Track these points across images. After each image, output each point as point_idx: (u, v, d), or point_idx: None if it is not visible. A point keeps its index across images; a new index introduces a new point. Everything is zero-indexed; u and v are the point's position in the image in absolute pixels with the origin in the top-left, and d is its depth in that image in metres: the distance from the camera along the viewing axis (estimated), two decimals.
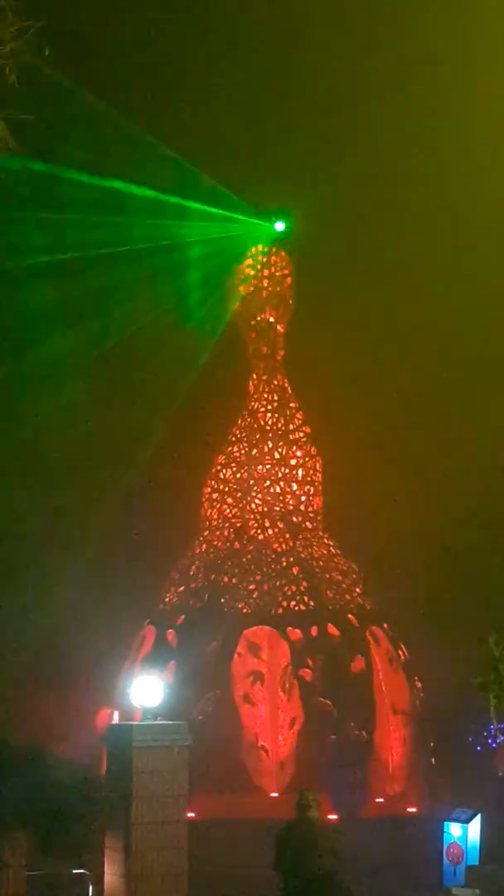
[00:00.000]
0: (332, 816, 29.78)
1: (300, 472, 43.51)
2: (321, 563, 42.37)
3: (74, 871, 17.95)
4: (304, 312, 44.61)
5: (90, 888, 17.36)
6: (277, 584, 40.88)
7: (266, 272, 43.93)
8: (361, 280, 48.99)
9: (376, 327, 47.80)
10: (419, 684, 39.94)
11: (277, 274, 44.00)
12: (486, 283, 45.23)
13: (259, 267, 43.73)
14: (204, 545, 42.92)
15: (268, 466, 43.19)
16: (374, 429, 44.26)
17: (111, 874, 16.19)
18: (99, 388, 42.39)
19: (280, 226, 43.79)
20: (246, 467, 43.31)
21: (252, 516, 42.78)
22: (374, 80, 48.70)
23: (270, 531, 42.47)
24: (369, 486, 43.51)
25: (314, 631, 39.57)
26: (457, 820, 22.93)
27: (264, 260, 43.87)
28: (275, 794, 35.86)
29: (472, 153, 42.97)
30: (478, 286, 45.94)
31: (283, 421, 43.74)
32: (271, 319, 44.02)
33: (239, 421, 43.88)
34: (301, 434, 43.79)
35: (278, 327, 44.22)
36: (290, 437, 43.61)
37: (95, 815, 16.52)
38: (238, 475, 43.34)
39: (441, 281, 47.18)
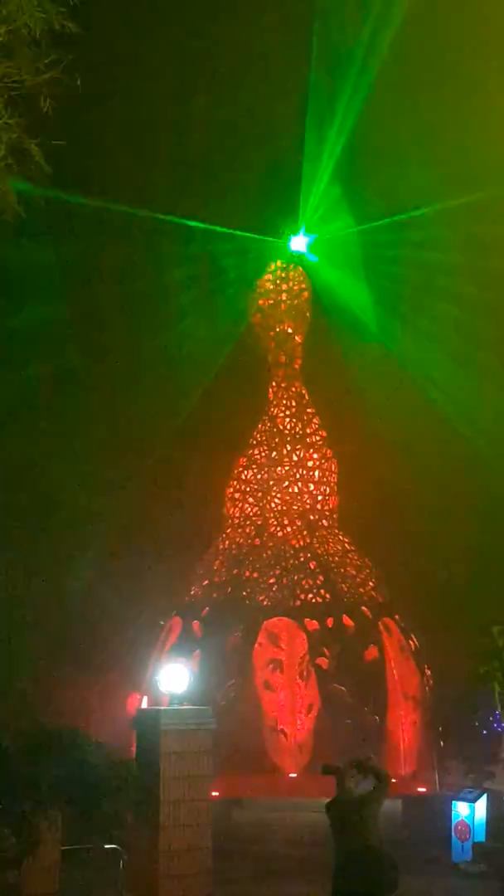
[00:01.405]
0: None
1: (316, 473, 43.51)
2: (336, 558, 42.35)
3: (106, 847, 18.01)
4: (319, 324, 44.54)
5: (121, 862, 17.41)
6: (295, 578, 40.86)
7: (284, 286, 43.97)
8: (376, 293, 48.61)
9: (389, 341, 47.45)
10: (428, 672, 39.87)
11: (295, 288, 44.00)
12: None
13: (277, 281, 43.79)
14: (227, 542, 42.93)
15: (286, 468, 43.19)
16: (387, 432, 44.06)
17: (140, 849, 16.27)
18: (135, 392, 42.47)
19: (299, 244, 43.87)
20: (266, 469, 43.31)
21: (272, 514, 42.78)
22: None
23: (289, 528, 42.47)
24: (382, 486, 43.39)
25: (330, 622, 39.55)
26: (464, 799, 22.98)
27: (282, 275, 43.90)
28: (293, 775, 35.87)
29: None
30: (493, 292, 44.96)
31: (300, 425, 43.73)
32: (289, 330, 44.03)
33: (259, 426, 43.91)
34: (317, 438, 43.77)
35: (296, 338, 44.21)
36: (307, 440, 43.60)
37: (126, 794, 16.57)
38: (258, 476, 43.35)
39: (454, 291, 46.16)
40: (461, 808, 22.45)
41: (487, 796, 23.17)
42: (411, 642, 40.48)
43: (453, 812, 22.45)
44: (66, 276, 38.43)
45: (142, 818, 16.26)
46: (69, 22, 4.84)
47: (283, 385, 44.24)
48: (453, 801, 23.08)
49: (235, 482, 43.72)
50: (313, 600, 40.44)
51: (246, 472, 43.68)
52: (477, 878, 18.34)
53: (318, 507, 43.35)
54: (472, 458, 43.33)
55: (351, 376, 45.55)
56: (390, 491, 43.26)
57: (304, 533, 42.50)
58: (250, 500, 43.31)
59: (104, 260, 41.55)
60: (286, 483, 43.13)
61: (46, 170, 5.11)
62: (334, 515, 43.64)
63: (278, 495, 43.02)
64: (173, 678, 20.32)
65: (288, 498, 43.03)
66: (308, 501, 43.17)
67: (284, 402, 44.09)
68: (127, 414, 42.21)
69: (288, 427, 43.70)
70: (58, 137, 5.75)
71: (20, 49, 4.75)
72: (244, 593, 40.62)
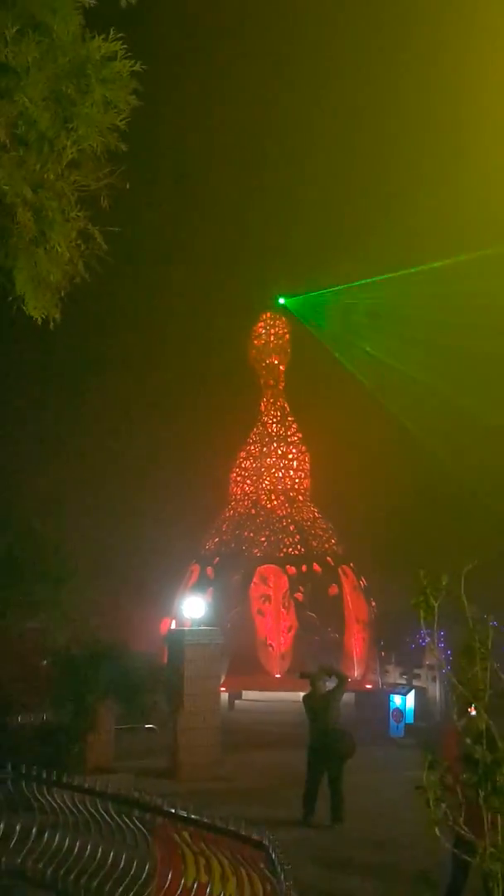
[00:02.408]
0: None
1: (295, 462, 43.51)
2: (308, 523, 42.33)
3: (146, 726, 18.00)
4: (297, 356, 44.79)
5: (157, 737, 17.43)
6: (280, 537, 40.85)
7: (273, 331, 44.05)
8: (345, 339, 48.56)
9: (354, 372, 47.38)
10: (374, 603, 39.85)
11: (280, 332, 44.10)
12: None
13: (267, 328, 43.94)
14: (231, 511, 42.89)
15: (273, 459, 43.16)
16: (347, 433, 44.11)
17: (170, 727, 16.28)
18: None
19: (282, 302, 44.53)
20: (259, 459, 43.33)
21: (263, 492, 42.77)
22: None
23: (275, 502, 42.46)
24: (342, 471, 43.40)
25: (304, 568, 39.54)
26: (398, 693, 23.01)
27: (271, 323, 44.08)
28: (278, 676, 35.88)
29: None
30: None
31: (283, 429, 43.76)
32: (276, 362, 44.10)
33: (254, 429, 43.97)
34: (295, 438, 43.80)
35: (280, 367, 44.33)
36: (288, 439, 43.61)
37: (160, 689, 16.53)
38: (254, 465, 43.34)
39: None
40: (396, 700, 22.49)
41: (415, 691, 23.25)
42: (362, 582, 40.45)
43: (391, 702, 22.49)
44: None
45: (170, 706, 16.27)
46: (120, 143, 4.76)
47: (271, 400, 44.30)
48: (391, 695, 23.10)
49: (237, 469, 43.74)
50: (292, 553, 40.43)
51: (245, 462, 43.71)
52: (407, 749, 18.34)
53: (296, 486, 43.33)
54: (411, 448, 43.52)
55: (320, 393, 45.73)
56: (348, 474, 43.27)
57: (286, 505, 42.52)
58: (248, 481, 43.33)
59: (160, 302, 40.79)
60: (273, 469, 43.17)
61: (104, 247, 5.08)
62: (307, 492, 43.63)
63: (267, 478, 43.03)
64: (193, 607, 20.26)
65: (274, 480, 43.06)
66: (289, 483, 43.16)
67: (272, 412, 44.14)
68: (172, 426, 42.06)
69: (274, 430, 43.72)
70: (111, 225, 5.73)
71: (86, 162, 4.68)
72: (243, 548, 40.60)
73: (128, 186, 4.80)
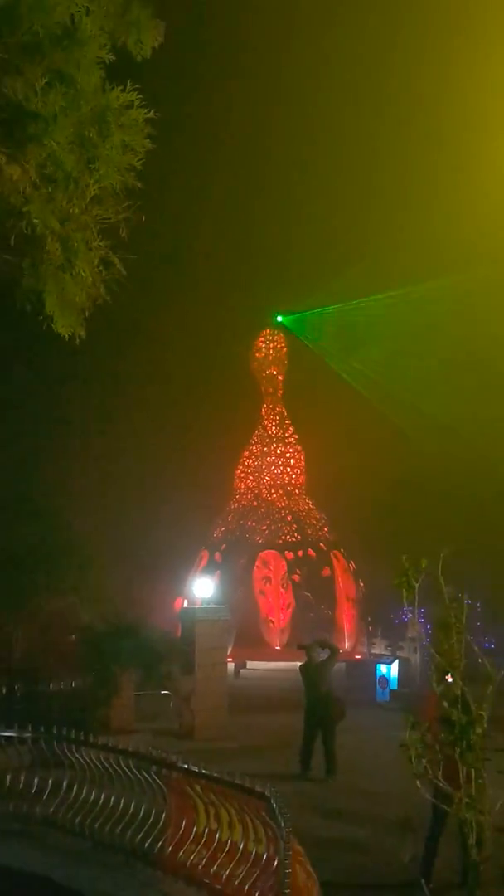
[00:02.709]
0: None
1: (291, 461, 43.55)
2: (304, 513, 42.34)
3: (162, 692, 18.00)
4: (293, 367, 44.80)
5: (171, 702, 17.41)
6: (279, 526, 40.88)
7: (272, 345, 44.11)
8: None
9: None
10: (362, 584, 39.85)
11: (278, 347, 44.20)
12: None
13: (267, 342, 44.03)
14: (235, 503, 42.91)
15: (272, 457, 43.21)
16: (338, 434, 44.05)
17: (183, 693, 16.28)
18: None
19: (280, 319, 44.74)
20: (260, 458, 43.37)
21: (264, 487, 42.80)
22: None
23: (274, 495, 42.47)
24: (333, 468, 43.35)
25: (300, 553, 39.59)
26: (384, 662, 23.00)
27: (271, 338, 44.16)
28: (278, 647, 35.90)
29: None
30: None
31: (281, 431, 43.80)
32: (275, 373, 44.17)
33: (256, 431, 44.01)
34: (292, 439, 43.86)
35: (279, 377, 44.40)
36: (286, 440, 43.64)
37: (174, 659, 16.53)
38: (256, 463, 43.39)
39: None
40: (382, 668, 22.46)
41: (398, 661, 23.23)
42: (351, 565, 40.47)
43: (377, 671, 22.46)
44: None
45: (184, 674, 16.27)
46: (137, 181, 4.78)
47: (270, 406, 44.38)
48: (377, 664, 23.07)
49: (241, 466, 43.79)
50: (290, 540, 40.47)
51: (247, 460, 43.76)
52: (391, 712, 18.28)
53: (293, 481, 43.35)
54: (396, 447, 43.46)
55: (314, 400, 45.74)
56: (339, 470, 43.21)
57: (284, 498, 42.54)
58: (250, 477, 43.36)
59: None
60: (273, 467, 43.19)
61: (123, 273, 5.10)
62: (303, 487, 43.66)
63: (268, 475, 43.05)
64: (203, 588, 20.32)
65: (274, 476, 43.08)
66: (286, 478, 43.18)
67: (272, 416, 44.20)
68: (185, 430, 41.79)
69: (273, 432, 43.77)
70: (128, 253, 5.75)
71: (106, 198, 4.70)
72: (246, 536, 40.63)
73: (143, 219, 4.82)
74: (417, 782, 4.98)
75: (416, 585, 5.51)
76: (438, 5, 33.03)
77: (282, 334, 44.58)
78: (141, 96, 4.84)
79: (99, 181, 4.75)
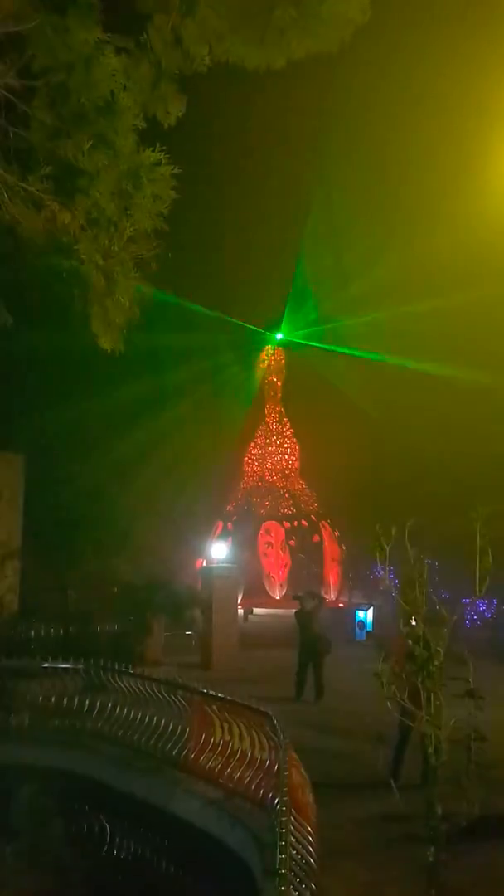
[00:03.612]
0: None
1: (288, 450, 43.63)
2: (298, 491, 42.43)
3: (186, 633, 18.04)
4: (290, 375, 44.60)
5: (193, 640, 17.45)
6: (278, 502, 40.99)
7: (273, 358, 44.03)
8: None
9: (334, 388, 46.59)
10: (344, 548, 39.89)
11: (278, 358, 44.13)
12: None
13: (269, 355, 43.93)
14: (244, 484, 43.10)
15: (273, 448, 43.27)
16: (325, 429, 43.96)
17: (204, 633, 16.31)
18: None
19: (280, 336, 44.35)
20: (264, 448, 43.37)
21: (266, 471, 42.87)
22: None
23: (275, 477, 42.57)
24: (322, 455, 43.36)
25: (295, 523, 39.71)
26: (361, 609, 23.02)
27: (272, 352, 44.04)
28: (277, 598, 35.95)
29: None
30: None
31: (280, 426, 43.94)
32: (275, 380, 44.14)
33: (260, 427, 44.05)
34: (289, 432, 43.95)
35: (278, 383, 44.35)
36: (284, 434, 43.74)
37: (196, 606, 16.55)
38: (260, 452, 43.43)
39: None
40: (360, 614, 22.50)
41: (373, 608, 23.23)
42: (336, 533, 40.57)
43: (356, 616, 22.50)
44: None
45: (204, 619, 16.30)
46: (164, 224, 4.73)
47: (272, 407, 44.44)
48: (356, 610, 23.12)
49: (248, 455, 43.90)
50: (287, 512, 40.57)
51: (253, 450, 43.86)
52: (367, 648, 18.31)
53: (289, 466, 43.45)
54: (371, 439, 43.11)
55: (307, 401, 45.58)
56: (326, 457, 43.22)
57: (283, 479, 42.65)
58: (256, 463, 43.48)
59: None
60: (273, 455, 43.23)
61: (152, 300, 5.07)
62: (297, 470, 43.77)
63: (269, 461, 43.14)
64: (219, 551, 20.33)
65: (274, 462, 43.15)
66: (284, 464, 43.29)
67: (273, 415, 44.32)
68: (205, 426, 41.16)
69: (274, 428, 43.93)
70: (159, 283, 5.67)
71: (140, 238, 4.66)
72: (253, 509, 40.75)
73: (170, 255, 4.78)
74: (388, 703, 4.96)
75: (387, 549, 5.48)
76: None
77: (280, 349, 44.56)
78: (168, 155, 4.80)
79: (134, 224, 4.71)
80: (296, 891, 3.41)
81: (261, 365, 44.07)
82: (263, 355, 44.19)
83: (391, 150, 42.91)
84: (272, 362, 44.39)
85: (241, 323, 41.91)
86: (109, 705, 8.81)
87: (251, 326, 42.88)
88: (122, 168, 4.68)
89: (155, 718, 8.11)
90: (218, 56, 4.47)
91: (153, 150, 4.76)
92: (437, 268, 37.87)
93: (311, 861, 3.91)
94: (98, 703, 8.91)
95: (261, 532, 39.07)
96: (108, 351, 4.93)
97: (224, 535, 36.74)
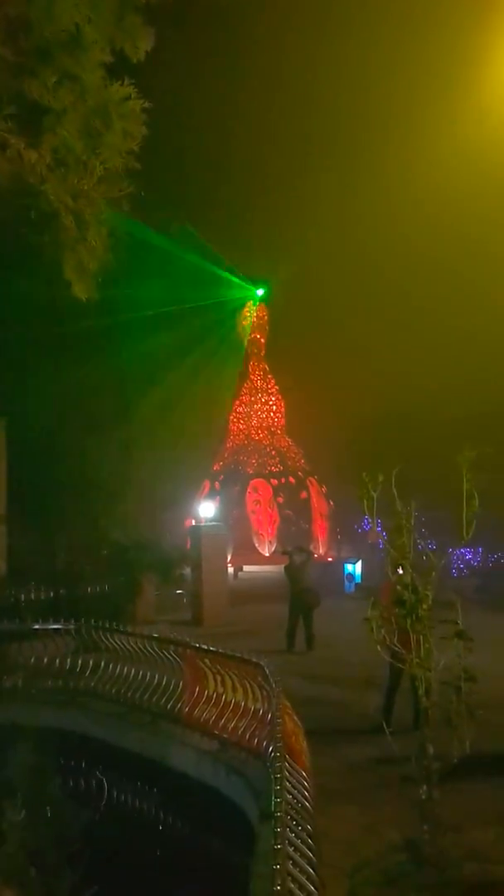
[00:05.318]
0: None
1: (274, 407, 43.45)
2: (285, 448, 42.42)
3: (177, 591, 18.13)
4: (273, 331, 44.22)
5: (184, 598, 17.57)
6: (265, 459, 40.96)
7: (256, 314, 43.51)
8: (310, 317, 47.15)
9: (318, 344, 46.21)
10: (332, 503, 40.12)
11: (261, 314, 43.63)
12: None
13: (251, 311, 43.42)
14: (230, 442, 42.95)
15: (258, 405, 43.07)
16: (309, 385, 43.74)
17: (194, 591, 16.38)
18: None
19: (260, 291, 43.67)
20: (249, 405, 43.18)
21: (252, 429, 42.74)
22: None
23: (261, 435, 42.46)
24: (306, 411, 43.25)
25: (283, 481, 39.74)
26: (350, 562, 23.21)
27: (254, 308, 43.54)
28: (266, 554, 36.20)
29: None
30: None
31: (265, 384, 43.61)
32: (258, 336, 43.70)
33: (245, 384, 43.76)
34: (274, 389, 43.69)
35: (261, 340, 43.92)
36: (268, 391, 43.49)
37: (186, 564, 16.60)
38: (245, 410, 43.23)
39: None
40: (349, 567, 22.70)
41: (361, 561, 23.43)
42: (323, 489, 40.70)
43: (345, 569, 22.70)
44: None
45: (194, 577, 16.36)
46: (135, 163, 4.52)
47: (256, 363, 44.03)
48: (344, 563, 23.31)
49: (233, 413, 43.67)
50: (274, 470, 40.58)
51: (238, 408, 43.59)
52: (356, 601, 18.50)
53: (275, 424, 43.32)
54: (355, 394, 43.18)
55: (291, 357, 45.23)
56: (311, 413, 43.12)
57: (269, 437, 42.52)
58: (241, 421, 43.27)
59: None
60: (259, 412, 43.07)
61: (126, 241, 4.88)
62: (283, 428, 43.67)
63: (255, 419, 42.96)
64: (207, 510, 20.30)
65: (260, 420, 43.00)
66: (270, 421, 43.14)
67: (257, 372, 43.89)
68: (189, 385, 40.20)
69: (258, 385, 43.55)
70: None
71: (111, 178, 4.48)
72: (240, 468, 40.70)
73: (142, 195, 4.59)
74: (378, 647, 4.97)
75: (374, 496, 5.43)
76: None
77: (263, 304, 43.95)
78: (136, 89, 4.56)
79: (104, 163, 4.50)
80: (292, 832, 3.43)
81: (242, 322, 43.49)
82: (245, 311, 43.58)
83: (375, 97, 41.64)
84: (255, 319, 43.83)
85: (230, 276, 41.07)
86: (102, 664, 8.85)
87: (237, 279, 42.01)
88: (90, 104, 4.45)
89: (148, 675, 8.15)
90: None
91: (121, 85, 4.52)
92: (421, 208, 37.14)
93: (307, 804, 3.94)
94: (91, 663, 8.94)
95: (248, 490, 39.08)
96: (84, 300, 4.76)
97: (212, 494, 36.76)
